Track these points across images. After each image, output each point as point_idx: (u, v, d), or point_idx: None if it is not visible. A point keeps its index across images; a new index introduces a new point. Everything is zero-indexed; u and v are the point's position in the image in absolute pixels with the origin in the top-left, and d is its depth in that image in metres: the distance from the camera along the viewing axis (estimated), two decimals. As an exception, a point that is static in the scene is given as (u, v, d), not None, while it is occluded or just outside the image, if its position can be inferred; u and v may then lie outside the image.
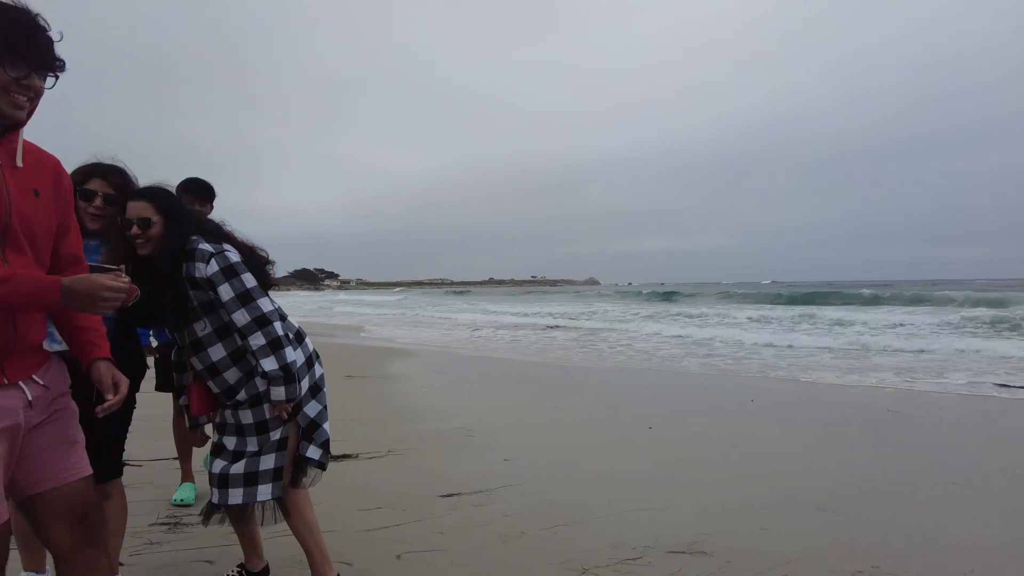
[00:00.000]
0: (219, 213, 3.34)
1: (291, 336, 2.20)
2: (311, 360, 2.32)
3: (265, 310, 2.09)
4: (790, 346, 12.64)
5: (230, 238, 2.21)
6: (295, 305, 44.82)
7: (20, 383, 1.52)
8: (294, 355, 2.13)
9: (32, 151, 1.57)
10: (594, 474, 4.25)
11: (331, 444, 2.32)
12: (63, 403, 1.65)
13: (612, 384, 8.79)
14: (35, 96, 1.49)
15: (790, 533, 3.18)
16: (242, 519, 2.27)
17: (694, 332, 16.06)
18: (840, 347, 12.45)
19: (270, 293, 2.20)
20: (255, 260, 2.21)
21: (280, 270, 2.47)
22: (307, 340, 2.34)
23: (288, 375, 2.08)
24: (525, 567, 2.70)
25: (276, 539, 2.61)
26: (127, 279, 1.48)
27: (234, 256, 2.12)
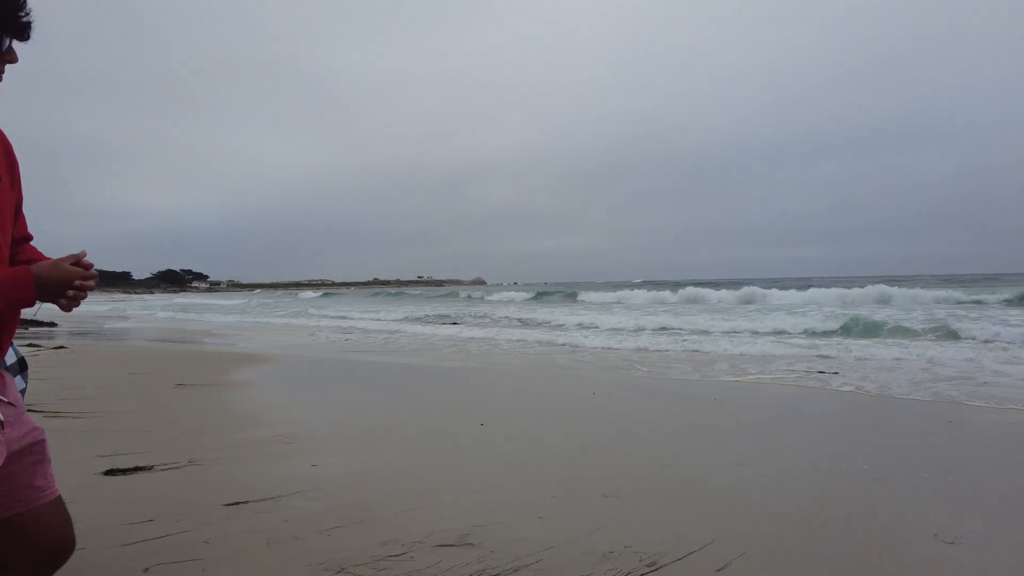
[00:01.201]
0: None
1: None
2: None
3: None
4: (644, 348, 13.30)
5: None
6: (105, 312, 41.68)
7: None
8: None
9: None
10: (404, 474, 4.26)
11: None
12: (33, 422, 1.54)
13: (463, 383, 8.88)
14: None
15: (566, 520, 3.35)
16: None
17: (557, 334, 16.57)
18: (693, 342, 13.26)
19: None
20: None
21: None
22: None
23: None
24: (279, 570, 2.67)
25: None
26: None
27: None
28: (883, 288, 24.72)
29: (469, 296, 45.14)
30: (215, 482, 3.96)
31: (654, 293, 34.84)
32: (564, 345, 14.04)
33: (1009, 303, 20.41)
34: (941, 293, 24.17)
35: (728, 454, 4.82)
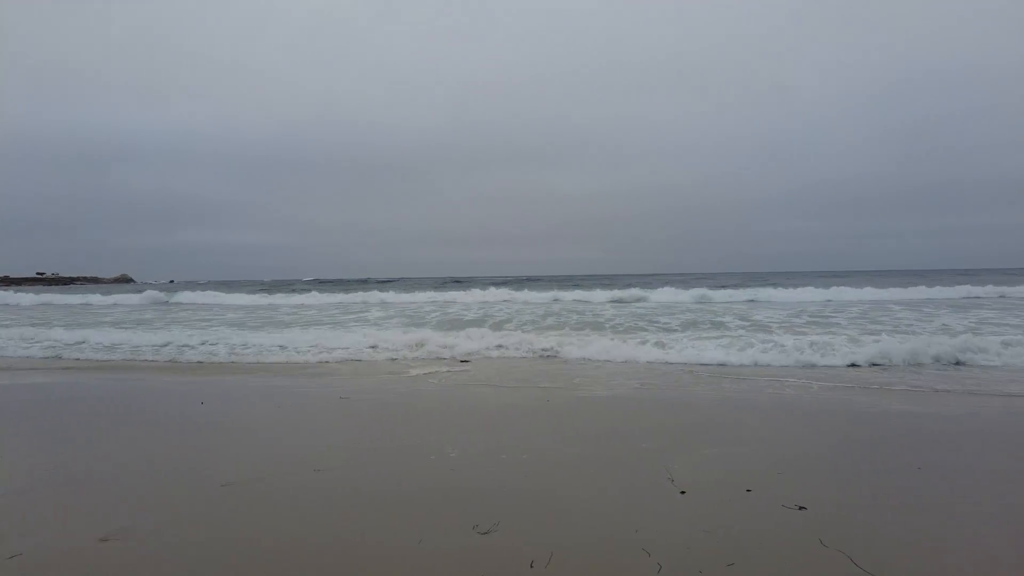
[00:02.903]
0: None
1: None
2: None
3: None
4: (283, 346, 12.28)
5: None
6: None
7: None
8: None
9: None
10: None
11: None
12: None
13: (41, 398, 6.85)
14: None
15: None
16: None
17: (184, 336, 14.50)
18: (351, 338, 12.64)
19: None
20: None
21: None
22: None
23: None
24: None
25: None
26: None
27: None
28: (507, 290, 27.92)
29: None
30: None
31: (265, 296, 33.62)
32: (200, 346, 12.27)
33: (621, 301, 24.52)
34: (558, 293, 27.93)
35: (311, 458, 4.31)
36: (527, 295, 26.23)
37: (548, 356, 10.49)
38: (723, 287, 27.42)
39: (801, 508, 3.26)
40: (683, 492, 3.54)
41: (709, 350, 10.12)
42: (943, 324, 13.33)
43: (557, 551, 2.72)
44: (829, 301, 21.27)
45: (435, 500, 3.46)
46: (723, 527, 3.02)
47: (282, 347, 11.60)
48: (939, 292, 23.55)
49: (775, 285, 28.89)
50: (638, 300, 23.22)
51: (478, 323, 15.55)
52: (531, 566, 2.59)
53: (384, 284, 46.58)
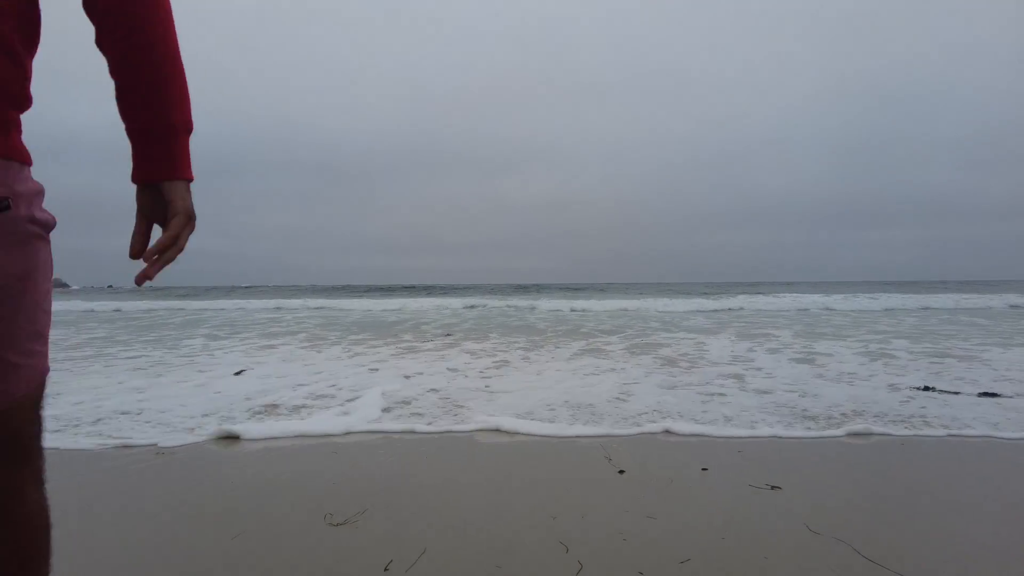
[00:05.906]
0: None
1: None
2: None
3: None
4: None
5: None
6: None
7: None
8: None
9: None
10: None
11: None
12: None
13: None
14: None
15: None
16: None
17: None
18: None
19: None
20: None
21: None
22: None
23: None
24: None
25: None
26: None
27: None
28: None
29: None
30: None
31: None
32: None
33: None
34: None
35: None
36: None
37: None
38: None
39: (774, 488, 2.49)
40: (622, 472, 2.74)
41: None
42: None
43: (432, 547, 1.86)
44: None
45: (287, 487, 2.57)
46: (673, 510, 2.22)
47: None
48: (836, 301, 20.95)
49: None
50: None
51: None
52: (385, 569, 1.72)
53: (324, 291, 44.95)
